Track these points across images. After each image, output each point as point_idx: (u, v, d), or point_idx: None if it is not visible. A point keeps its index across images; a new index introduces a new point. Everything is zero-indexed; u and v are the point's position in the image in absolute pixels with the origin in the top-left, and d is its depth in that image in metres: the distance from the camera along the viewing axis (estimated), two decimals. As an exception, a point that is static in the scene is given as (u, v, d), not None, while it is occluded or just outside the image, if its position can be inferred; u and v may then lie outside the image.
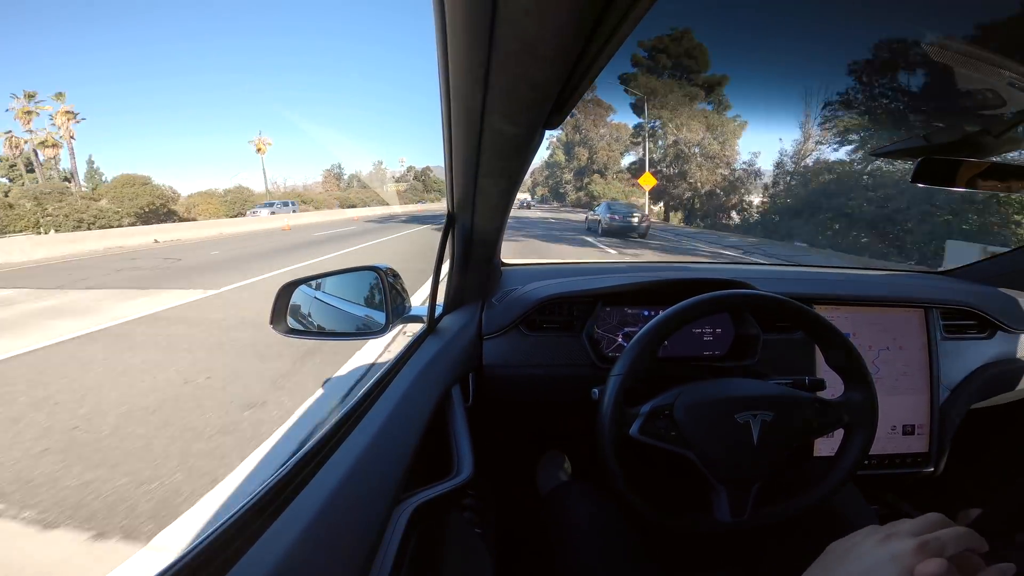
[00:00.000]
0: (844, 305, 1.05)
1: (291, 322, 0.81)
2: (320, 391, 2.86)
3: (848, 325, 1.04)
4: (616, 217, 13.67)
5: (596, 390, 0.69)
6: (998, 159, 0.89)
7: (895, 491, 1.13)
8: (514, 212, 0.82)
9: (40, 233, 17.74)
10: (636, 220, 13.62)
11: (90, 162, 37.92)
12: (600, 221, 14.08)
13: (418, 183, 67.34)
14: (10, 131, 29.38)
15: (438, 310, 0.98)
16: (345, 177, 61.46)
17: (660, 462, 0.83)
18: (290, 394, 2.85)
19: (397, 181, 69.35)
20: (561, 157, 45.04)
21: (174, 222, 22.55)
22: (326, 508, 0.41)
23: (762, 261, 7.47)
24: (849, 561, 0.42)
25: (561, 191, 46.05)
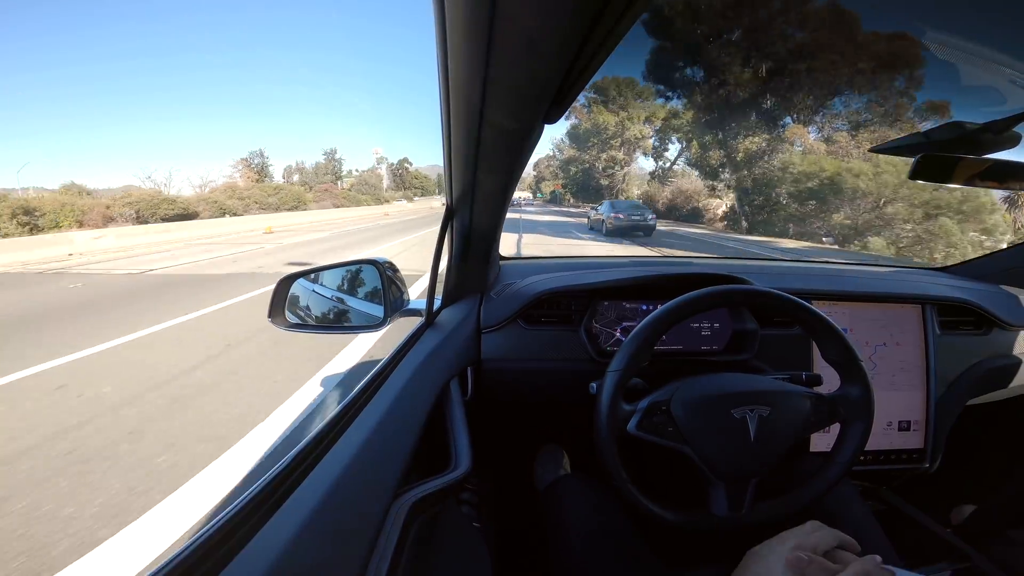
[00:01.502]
0: (842, 301, 1.05)
1: (289, 316, 0.81)
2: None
3: (845, 321, 1.04)
4: (622, 216, 13.69)
5: (594, 385, 0.69)
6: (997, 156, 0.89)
7: (891, 487, 1.13)
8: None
9: None
10: (642, 219, 13.67)
11: None
12: (604, 220, 14.10)
13: (372, 178, 56.33)
14: None
15: (436, 303, 0.98)
16: (273, 170, 46.82)
17: (658, 457, 0.84)
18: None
19: (356, 176, 59.77)
20: (609, 117, 23.20)
21: None
22: (325, 502, 0.41)
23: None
24: (754, 563, 0.51)
25: (594, 184, 25.83)
